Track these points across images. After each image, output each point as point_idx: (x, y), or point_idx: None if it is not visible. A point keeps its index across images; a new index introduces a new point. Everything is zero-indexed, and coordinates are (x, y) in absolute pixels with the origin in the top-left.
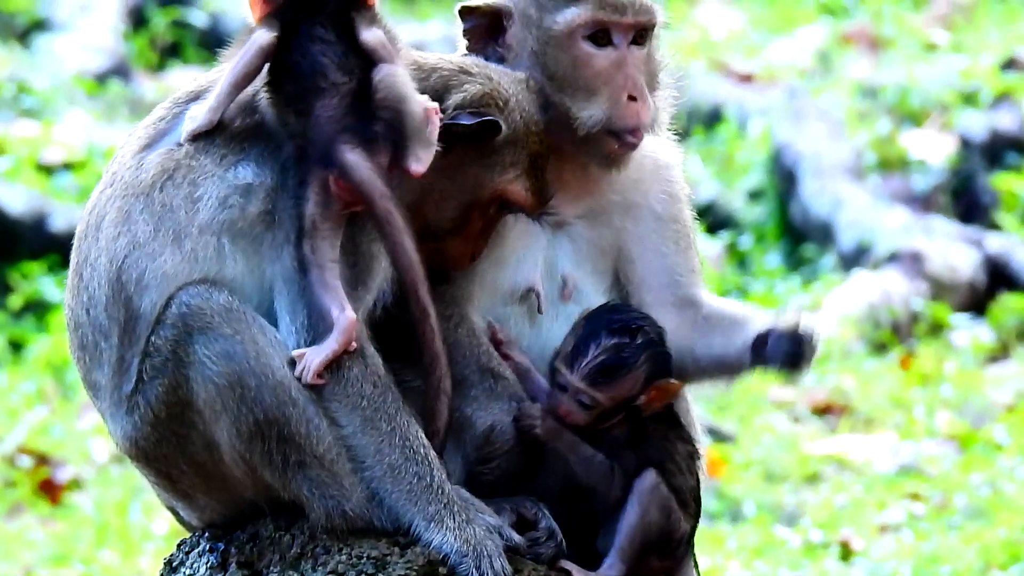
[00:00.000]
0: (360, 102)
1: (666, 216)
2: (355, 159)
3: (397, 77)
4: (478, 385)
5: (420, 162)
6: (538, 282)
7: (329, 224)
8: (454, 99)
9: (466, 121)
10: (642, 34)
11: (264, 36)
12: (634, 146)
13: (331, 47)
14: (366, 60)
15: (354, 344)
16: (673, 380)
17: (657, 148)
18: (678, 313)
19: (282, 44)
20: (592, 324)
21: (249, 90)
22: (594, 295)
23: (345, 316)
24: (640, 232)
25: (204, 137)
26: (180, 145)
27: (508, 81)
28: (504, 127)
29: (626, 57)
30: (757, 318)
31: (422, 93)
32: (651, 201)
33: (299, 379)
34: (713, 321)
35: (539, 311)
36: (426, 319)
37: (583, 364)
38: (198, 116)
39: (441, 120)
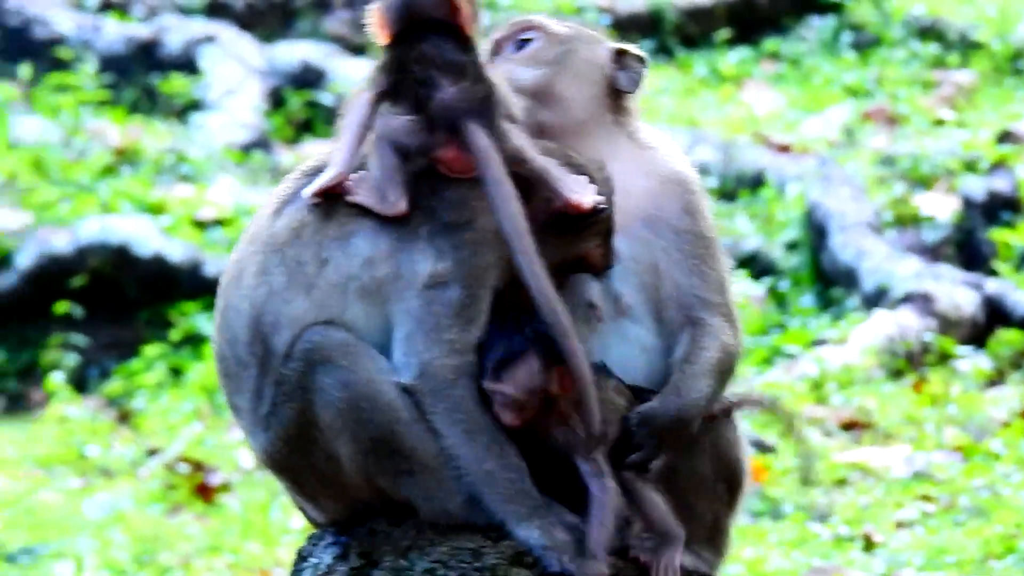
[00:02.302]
0: (489, 104)
1: (684, 230)
2: (479, 133)
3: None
4: None
5: (581, 196)
6: (596, 297)
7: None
8: None
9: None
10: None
11: (365, 96)
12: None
13: (443, 49)
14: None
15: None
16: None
17: (670, 162)
18: (682, 332)
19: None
20: (491, 335)
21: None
22: (642, 308)
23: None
24: (663, 246)
25: (327, 203)
26: (308, 208)
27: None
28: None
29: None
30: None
31: None
32: (668, 215)
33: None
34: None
35: (599, 320)
36: (537, 280)
37: (487, 365)
38: (326, 174)
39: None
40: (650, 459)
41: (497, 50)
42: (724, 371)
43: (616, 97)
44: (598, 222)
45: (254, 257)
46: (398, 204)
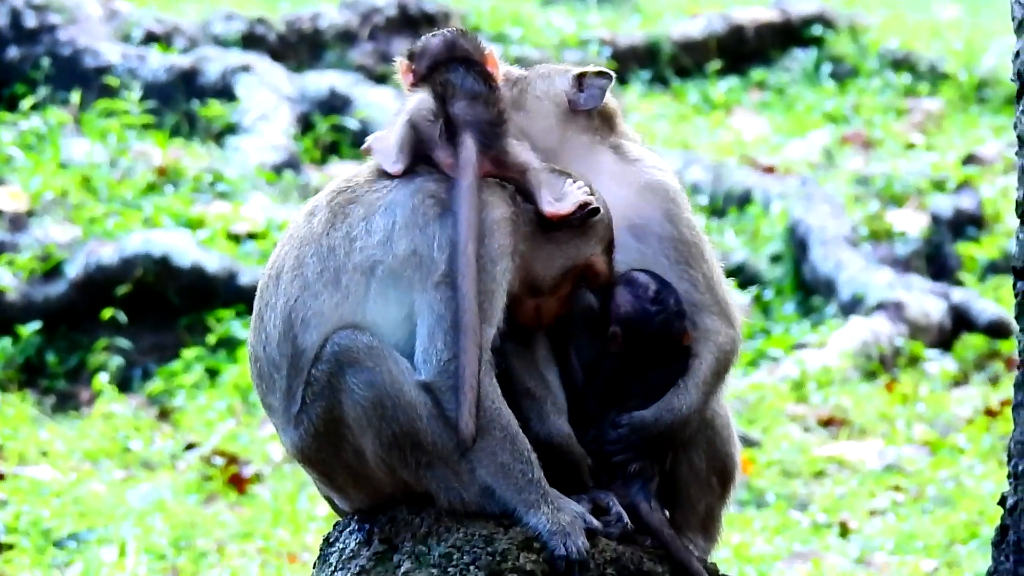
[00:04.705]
0: (498, 128)
1: (666, 237)
2: (470, 145)
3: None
4: (530, 407)
5: (553, 207)
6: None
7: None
8: None
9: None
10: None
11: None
12: None
13: (465, 78)
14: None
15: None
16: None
17: (649, 173)
18: None
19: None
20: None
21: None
22: None
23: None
24: (650, 253)
25: (349, 191)
26: (338, 202)
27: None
28: (601, 211)
29: None
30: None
31: None
32: (650, 223)
33: None
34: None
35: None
36: (465, 271)
37: None
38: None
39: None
40: (630, 462)
41: None
42: (720, 372)
43: (592, 116)
44: (592, 226)
45: (291, 254)
46: (397, 166)
